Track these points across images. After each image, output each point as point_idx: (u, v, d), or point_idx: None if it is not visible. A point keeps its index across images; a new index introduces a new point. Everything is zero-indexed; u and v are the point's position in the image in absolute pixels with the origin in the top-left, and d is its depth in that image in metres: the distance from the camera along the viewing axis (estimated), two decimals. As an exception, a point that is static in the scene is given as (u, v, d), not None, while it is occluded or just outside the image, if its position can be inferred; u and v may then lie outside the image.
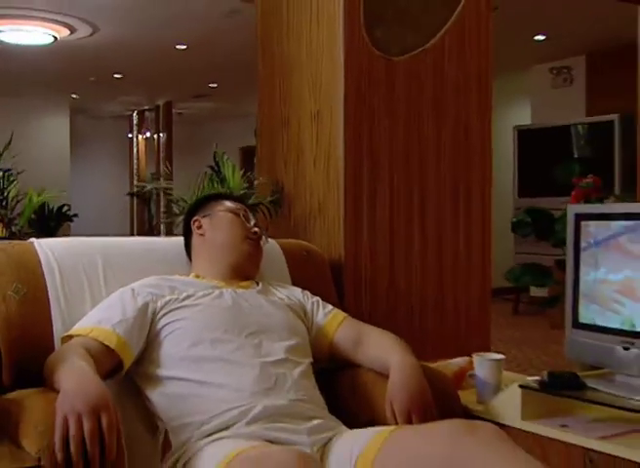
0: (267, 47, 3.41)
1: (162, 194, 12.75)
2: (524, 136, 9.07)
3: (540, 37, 8.31)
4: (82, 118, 14.42)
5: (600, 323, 2.12)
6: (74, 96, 12.80)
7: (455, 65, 3.20)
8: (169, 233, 7.68)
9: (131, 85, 11.79)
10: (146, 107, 14.28)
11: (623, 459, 1.83)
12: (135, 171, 14.90)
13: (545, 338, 6.86)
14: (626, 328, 2.04)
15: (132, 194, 13.92)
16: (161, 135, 13.85)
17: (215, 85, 11.79)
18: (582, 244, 2.17)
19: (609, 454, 1.87)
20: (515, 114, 9.69)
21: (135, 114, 14.83)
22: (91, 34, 8.29)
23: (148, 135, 14.81)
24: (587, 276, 2.16)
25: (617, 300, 2.08)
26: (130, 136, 15.21)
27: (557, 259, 6.06)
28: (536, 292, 8.51)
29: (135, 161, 14.96)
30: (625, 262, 2.06)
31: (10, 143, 2.61)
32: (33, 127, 12.14)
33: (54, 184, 6.77)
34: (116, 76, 10.98)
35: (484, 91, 3.28)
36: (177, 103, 13.74)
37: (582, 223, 2.18)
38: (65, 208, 11.23)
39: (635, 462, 1.81)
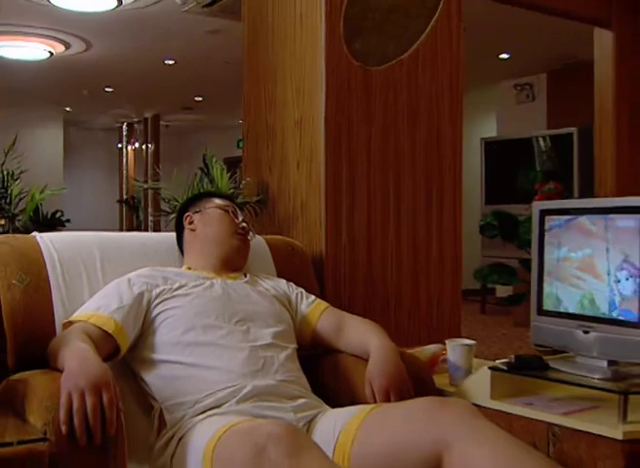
0: (253, 59, 3.43)
1: (150, 200, 12.81)
2: (490, 147, 9.14)
3: (505, 56, 8.38)
4: (74, 130, 14.37)
5: (562, 297, 2.16)
6: (68, 108, 12.75)
7: (428, 76, 3.25)
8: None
9: (121, 98, 11.75)
10: (135, 120, 14.24)
11: (583, 432, 1.87)
12: (124, 179, 14.86)
13: (510, 335, 6.92)
14: (587, 311, 2.08)
15: (121, 201, 13.87)
16: (149, 145, 13.81)
17: (200, 98, 11.78)
18: (546, 226, 2.21)
19: (570, 428, 1.90)
20: (482, 127, 9.77)
21: (124, 126, 14.78)
22: (85, 50, 8.27)
23: (137, 145, 14.76)
24: (551, 255, 2.20)
25: (577, 277, 2.11)
26: (119, 146, 15.15)
27: (521, 260, 6.12)
28: (501, 292, 8.57)
29: (124, 170, 14.91)
30: (585, 241, 2.10)
31: (14, 144, 2.63)
32: (29, 138, 12.07)
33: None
34: (107, 90, 10.94)
35: (455, 101, 3.33)
36: (164, 116, 13.70)
37: (547, 218, 2.22)
38: (59, 214, 11.16)
39: (593, 434, 1.84)
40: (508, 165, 8.69)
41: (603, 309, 2.04)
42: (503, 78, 9.30)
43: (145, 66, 9.18)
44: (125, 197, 14.17)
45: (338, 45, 3.01)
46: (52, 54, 8.21)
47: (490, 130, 9.75)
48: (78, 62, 8.80)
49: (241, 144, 12.27)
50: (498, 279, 7.01)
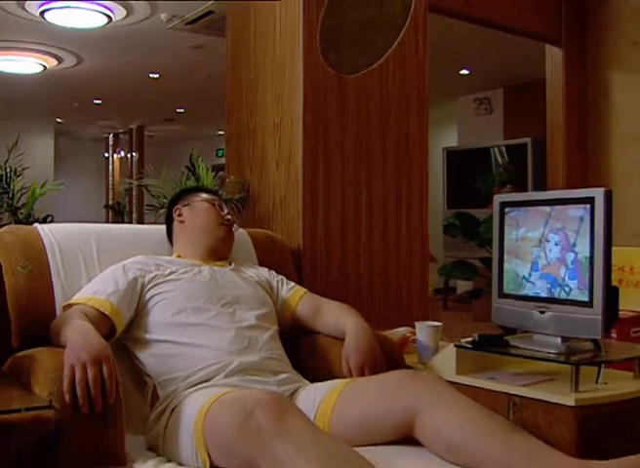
0: (236, 67, 3.45)
1: (134, 206, 12.78)
2: (451, 156, 9.21)
3: (465, 72, 8.46)
4: (65, 140, 14.30)
5: (520, 273, 2.21)
6: (59, 120, 12.69)
7: (397, 85, 3.30)
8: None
9: (109, 110, 11.70)
10: (121, 130, 14.19)
11: (540, 400, 1.92)
12: (110, 186, 14.82)
13: (470, 328, 6.98)
14: (542, 293, 2.13)
15: (107, 206, 13.82)
16: (134, 154, 13.78)
17: (182, 110, 11.77)
18: (506, 209, 2.26)
19: (528, 397, 1.95)
20: (444, 137, 9.85)
21: (111, 136, 14.72)
22: (76, 64, 8.23)
23: (122, 154, 14.72)
24: (510, 235, 2.25)
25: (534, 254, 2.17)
26: (106, 155, 15.10)
27: (482, 258, 6.19)
28: (462, 289, 8.64)
29: (110, 178, 14.87)
30: (541, 222, 2.15)
31: (16, 143, 2.64)
32: (22, 147, 11.98)
33: (40, 197, 6.74)
34: (96, 102, 10.89)
35: (422, 108, 3.39)
36: (148, 127, 13.68)
37: (506, 209, 2.27)
38: (49, 218, 11.10)
39: (549, 402, 1.89)
40: (468, 172, 8.76)
41: (557, 283, 2.09)
42: (464, 93, 9.39)
43: (132, 80, 9.15)
44: (111, 203, 14.12)
45: (314, 55, 3.05)
46: (45, 68, 8.16)
47: (451, 140, 9.83)
48: (69, 76, 8.76)
49: (220, 153, 12.28)
50: (460, 274, 7.07)
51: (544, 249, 2.12)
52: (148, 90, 9.79)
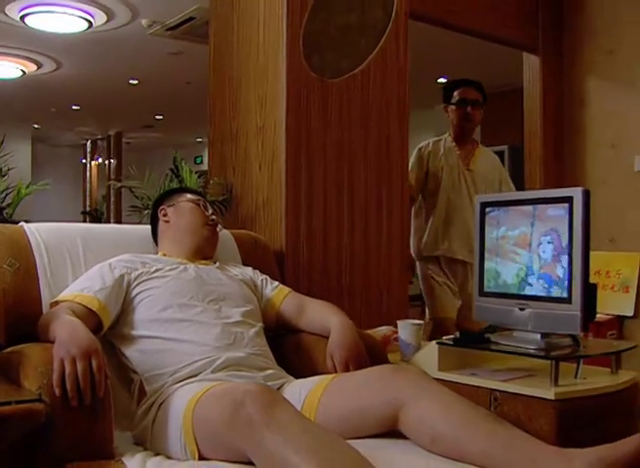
0: (219, 71, 3.47)
1: (112, 212, 12.74)
2: (429, 163, 9.29)
3: (443, 80, 8.55)
4: (42, 146, 14.24)
5: (500, 270, 2.25)
6: (36, 125, 12.64)
7: (378, 89, 3.34)
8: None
9: (87, 116, 11.69)
10: (99, 137, 14.17)
11: (520, 394, 1.96)
12: (87, 192, 14.77)
13: (447, 333, 7.02)
14: (522, 291, 2.17)
15: (85, 212, 13.78)
16: (111, 161, 13.76)
17: (161, 117, 11.77)
18: (487, 209, 2.30)
19: (509, 392, 1.99)
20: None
21: (88, 143, 14.70)
22: (55, 69, 8.23)
23: (100, 161, 14.68)
24: (491, 234, 2.30)
25: (514, 252, 2.21)
26: (83, 161, 15.06)
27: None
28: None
29: (88, 184, 14.82)
30: (521, 221, 2.20)
31: (2, 143, 2.65)
32: (-1, 152, 11.92)
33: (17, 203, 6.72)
34: (74, 108, 10.88)
35: (402, 114, 3.43)
36: (126, 133, 13.67)
37: (487, 209, 2.31)
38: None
39: (529, 396, 1.93)
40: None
41: (533, 280, 2.14)
42: (441, 101, 9.44)
43: (111, 86, 9.16)
44: (88, 209, 14.08)
45: (297, 59, 3.08)
46: (24, 73, 8.16)
47: (429, 148, 9.90)
48: (48, 81, 8.76)
49: (199, 160, 12.25)
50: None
51: (525, 247, 2.16)
52: (127, 96, 9.79)
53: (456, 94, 4.13)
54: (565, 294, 2.03)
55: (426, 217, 4.03)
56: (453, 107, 4.14)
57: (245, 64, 3.28)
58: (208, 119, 3.53)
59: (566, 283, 2.04)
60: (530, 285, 2.15)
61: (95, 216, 13.16)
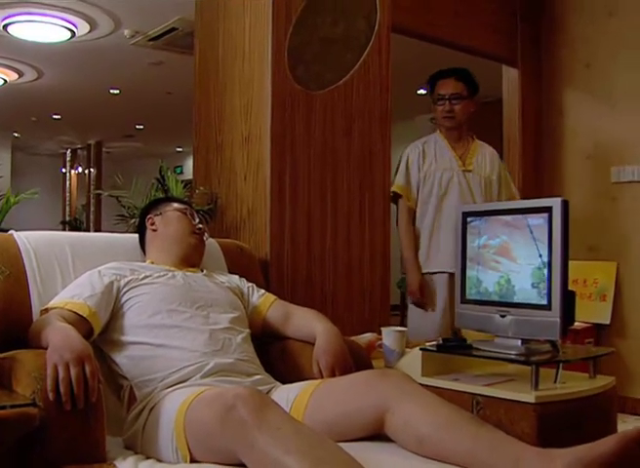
0: (204, 81, 3.52)
1: (92, 222, 12.70)
2: (408, 173, 9.35)
3: (423, 91, 8.63)
4: (21, 155, 14.18)
5: (482, 278, 2.31)
6: (16, 134, 12.59)
7: (361, 101, 3.41)
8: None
9: (67, 125, 11.66)
10: (79, 146, 14.14)
11: (502, 399, 2.02)
12: (67, 202, 14.71)
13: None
14: (504, 295, 2.23)
15: (64, 222, 13.72)
16: (91, 170, 13.73)
17: (141, 126, 11.77)
18: (468, 219, 2.36)
19: (491, 396, 2.05)
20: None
21: (68, 152, 14.65)
22: (36, 78, 8.20)
23: (80, 170, 14.64)
24: (472, 243, 2.36)
25: (495, 260, 2.27)
26: (63, 171, 15.01)
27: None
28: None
29: (67, 194, 14.77)
30: (502, 230, 2.27)
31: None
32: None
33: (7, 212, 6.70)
34: (55, 117, 10.85)
35: (384, 125, 3.50)
36: (106, 143, 13.64)
37: (468, 219, 2.37)
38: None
39: (510, 400, 1.99)
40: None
41: (518, 289, 2.20)
42: (421, 112, 9.55)
43: (92, 95, 9.14)
44: (68, 218, 14.03)
45: (282, 71, 3.14)
46: (5, 81, 8.14)
47: (408, 158, 9.99)
48: (29, 90, 8.73)
49: (179, 170, 12.20)
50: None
51: (506, 255, 2.22)
52: (108, 105, 9.79)
53: (435, 88, 3.85)
54: (545, 302, 2.09)
55: (420, 228, 3.74)
56: (434, 105, 3.87)
57: (230, 75, 3.33)
58: (193, 129, 3.57)
59: (545, 290, 2.10)
60: (510, 292, 2.21)
61: (74, 226, 13.10)
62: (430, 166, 3.72)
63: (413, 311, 3.77)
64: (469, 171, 3.71)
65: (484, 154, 3.80)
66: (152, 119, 10.92)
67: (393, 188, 3.66)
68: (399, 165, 3.80)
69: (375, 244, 3.41)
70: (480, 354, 2.21)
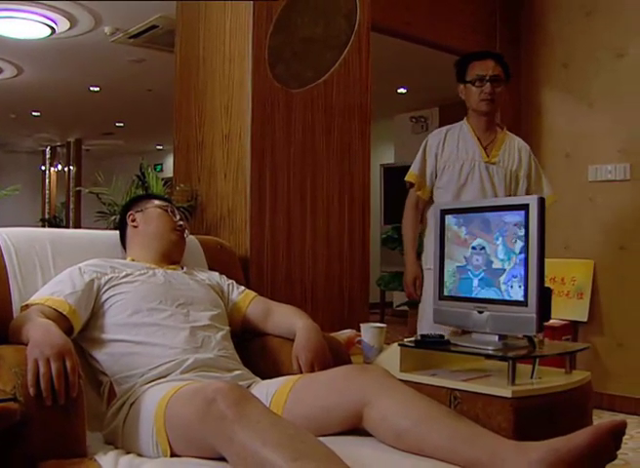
0: (184, 79, 3.53)
1: (72, 220, 12.65)
2: (388, 172, 9.41)
3: (403, 90, 8.67)
4: (0, 153, 14.10)
5: (459, 275, 2.34)
6: (-6, 131, 12.54)
7: (341, 100, 3.43)
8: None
9: (47, 123, 11.60)
10: (58, 144, 14.06)
11: (479, 393, 2.04)
12: (47, 200, 14.64)
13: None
14: (480, 295, 2.26)
15: (44, 220, 13.65)
16: (71, 168, 13.66)
17: (121, 124, 11.73)
18: (446, 216, 2.39)
19: (468, 391, 2.07)
20: (381, 154, 10.04)
21: (48, 149, 14.57)
22: (15, 75, 8.16)
23: (59, 168, 14.57)
24: (451, 240, 2.39)
25: (473, 257, 2.30)
26: (42, 168, 14.93)
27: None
28: (399, 302, 8.79)
29: (47, 191, 14.69)
30: (479, 227, 2.30)
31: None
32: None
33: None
34: (34, 114, 10.79)
35: (364, 124, 3.52)
36: (86, 140, 13.58)
37: (446, 217, 2.40)
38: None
39: (488, 394, 2.01)
40: (405, 188, 8.96)
41: (494, 285, 2.23)
42: (401, 111, 9.60)
43: (72, 92, 9.11)
44: (47, 216, 13.96)
45: (262, 69, 3.15)
46: (-16, 78, 8.11)
47: (388, 157, 10.04)
48: (8, 87, 8.67)
49: (159, 168, 12.15)
50: (397, 286, 7.20)
51: (484, 252, 2.25)
52: (88, 103, 9.75)
53: (470, 69, 3.37)
54: (521, 298, 2.12)
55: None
56: (468, 86, 3.37)
57: (211, 73, 3.34)
58: (173, 127, 3.58)
59: (522, 286, 2.13)
60: (488, 288, 2.24)
61: (54, 224, 13.04)
62: (450, 156, 3.38)
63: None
64: (493, 163, 3.35)
65: (512, 147, 3.43)
66: (132, 117, 10.89)
67: (406, 177, 3.48)
68: (419, 151, 3.52)
69: (354, 242, 3.44)
70: (458, 350, 2.23)
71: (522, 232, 2.14)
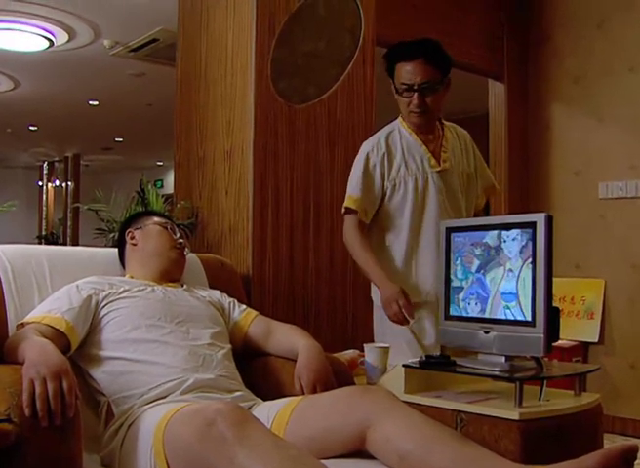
0: (185, 94, 3.56)
1: (69, 237, 12.67)
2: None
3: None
4: (-4, 167, 14.19)
5: (465, 294, 2.35)
6: (-10, 146, 12.60)
7: (345, 115, 3.46)
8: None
9: (44, 137, 11.65)
10: (56, 159, 14.12)
11: (486, 416, 2.04)
12: (44, 216, 14.68)
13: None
14: (487, 315, 2.27)
15: (40, 237, 13.68)
16: (69, 183, 13.71)
17: (121, 139, 11.77)
18: (452, 234, 2.40)
19: (475, 413, 2.07)
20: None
21: (45, 164, 14.63)
22: (12, 89, 8.22)
23: (57, 183, 14.62)
24: (456, 260, 2.41)
25: (479, 276, 2.32)
26: (40, 184, 14.98)
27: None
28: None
29: (44, 207, 14.74)
30: (485, 245, 2.31)
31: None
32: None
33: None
34: (31, 128, 10.84)
35: (368, 135, 3.53)
36: (84, 155, 13.63)
37: (452, 234, 2.41)
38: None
39: (494, 417, 2.02)
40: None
41: (497, 304, 2.25)
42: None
43: (70, 106, 9.16)
44: (44, 233, 13.99)
45: (265, 84, 3.18)
46: (-19, 91, 8.17)
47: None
48: (5, 100, 8.73)
49: (159, 185, 12.18)
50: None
51: (491, 272, 2.26)
52: (87, 117, 9.80)
53: (397, 71, 2.86)
54: (529, 318, 2.13)
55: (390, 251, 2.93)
56: (397, 94, 2.90)
57: (212, 88, 3.37)
58: (174, 142, 3.60)
59: (529, 306, 2.14)
60: (494, 308, 2.25)
61: (50, 241, 13.07)
62: (399, 171, 2.87)
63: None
64: (445, 170, 2.90)
65: (456, 141, 3.01)
66: (132, 132, 10.94)
67: (346, 203, 2.91)
68: (353, 169, 2.95)
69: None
70: (463, 371, 2.24)
71: (530, 251, 2.15)
